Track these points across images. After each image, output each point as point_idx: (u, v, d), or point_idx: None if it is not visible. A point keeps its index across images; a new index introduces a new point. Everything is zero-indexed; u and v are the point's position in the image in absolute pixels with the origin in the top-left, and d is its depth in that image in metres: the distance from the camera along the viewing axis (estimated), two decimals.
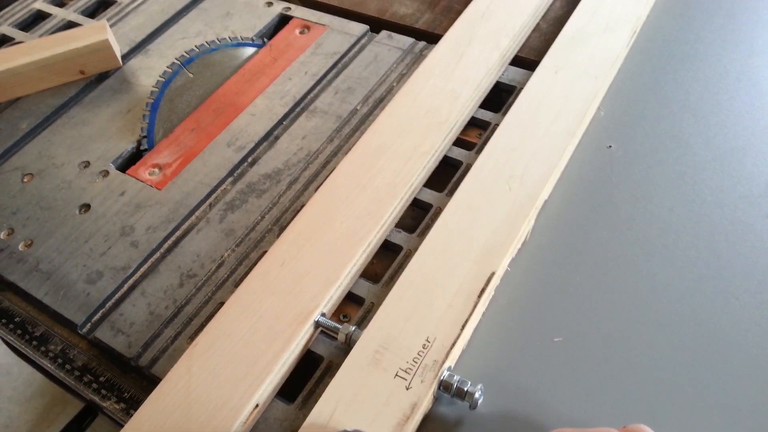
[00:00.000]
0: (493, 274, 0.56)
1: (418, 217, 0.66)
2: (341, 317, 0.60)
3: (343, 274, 0.58)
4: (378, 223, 0.61)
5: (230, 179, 0.71)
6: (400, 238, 0.64)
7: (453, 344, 0.52)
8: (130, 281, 0.63)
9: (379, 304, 0.56)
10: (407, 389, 0.50)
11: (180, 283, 0.62)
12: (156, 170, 0.73)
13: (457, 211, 0.61)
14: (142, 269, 0.64)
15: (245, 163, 0.72)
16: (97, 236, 0.67)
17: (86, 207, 0.70)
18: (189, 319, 0.60)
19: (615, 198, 0.64)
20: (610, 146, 0.69)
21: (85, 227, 0.68)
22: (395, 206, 0.63)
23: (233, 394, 0.51)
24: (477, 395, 0.50)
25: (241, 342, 0.54)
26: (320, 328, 0.56)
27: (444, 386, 0.50)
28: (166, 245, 0.66)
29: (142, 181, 0.72)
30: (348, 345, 0.54)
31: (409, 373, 0.51)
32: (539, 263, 0.60)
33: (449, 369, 0.52)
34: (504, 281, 0.59)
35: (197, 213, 0.68)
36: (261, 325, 0.55)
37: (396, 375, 0.51)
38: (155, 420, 0.50)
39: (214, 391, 0.51)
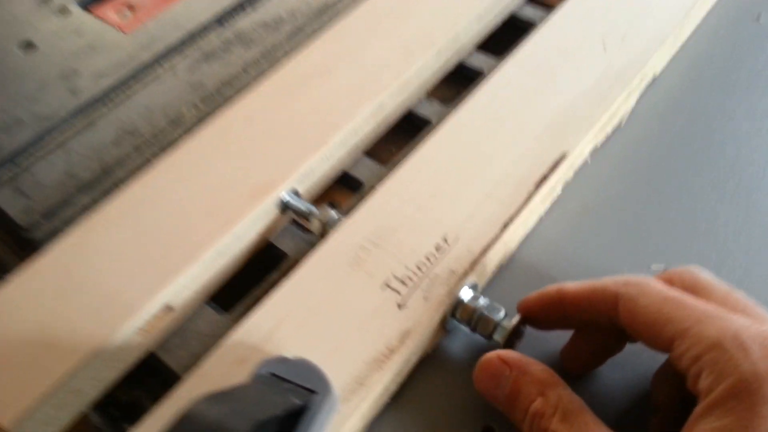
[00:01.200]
0: (563, 156, 0.36)
1: (462, 89, 0.46)
2: (328, 205, 0.40)
3: (334, 140, 0.38)
4: (397, 77, 0.41)
5: (216, 25, 0.53)
6: (431, 110, 0.44)
7: (485, 250, 0.32)
8: (55, 134, 0.46)
9: None
10: (400, 308, 0.31)
11: (116, 141, 0.45)
12: (127, 11, 0.56)
13: (519, 73, 0.41)
14: (75, 122, 0.47)
15: (240, 8, 0.54)
16: (30, 78, 0.50)
17: (30, 45, 0.53)
18: (114, 185, 0.42)
19: (763, 83, 0.42)
20: (758, 17, 0.46)
21: (20, 67, 0.52)
22: (427, 61, 0.43)
23: (133, 286, 0.33)
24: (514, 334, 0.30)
25: (165, 216, 0.36)
26: (289, 212, 0.37)
27: (462, 312, 0.31)
28: (113, 96, 0.48)
29: (106, 22, 0.55)
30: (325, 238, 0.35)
31: (406, 285, 0.31)
32: (637, 158, 0.39)
33: (474, 287, 0.32)
34: (580, 176, 0.38)
35: (163, 61, 0.50)
36: (200, 196, 0.36)
37: (386, 285, 0.31)
38: (21, 302, 0.33)
39: (109, 278, 0.33)
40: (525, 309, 0.30)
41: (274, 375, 0.28)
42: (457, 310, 0.31)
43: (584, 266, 0.35)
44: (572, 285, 0.29)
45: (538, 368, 0.27)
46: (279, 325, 0.30)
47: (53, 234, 0.40)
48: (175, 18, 0.54)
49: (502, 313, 0.30)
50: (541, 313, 0.30)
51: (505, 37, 0.48)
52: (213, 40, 0.51)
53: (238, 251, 0.36)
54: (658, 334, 0.25)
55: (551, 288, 0.30)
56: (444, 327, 0.31)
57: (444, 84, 0.46)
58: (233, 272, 0.36)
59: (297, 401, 0.26)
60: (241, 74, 0.48)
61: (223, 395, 0.25)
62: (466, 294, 0.31)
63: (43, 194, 0.42)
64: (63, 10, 0.57)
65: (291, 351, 0.29)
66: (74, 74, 0.50)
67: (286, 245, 0.38)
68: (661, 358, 0.28)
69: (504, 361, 0.28)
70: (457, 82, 0.46)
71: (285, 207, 0.37)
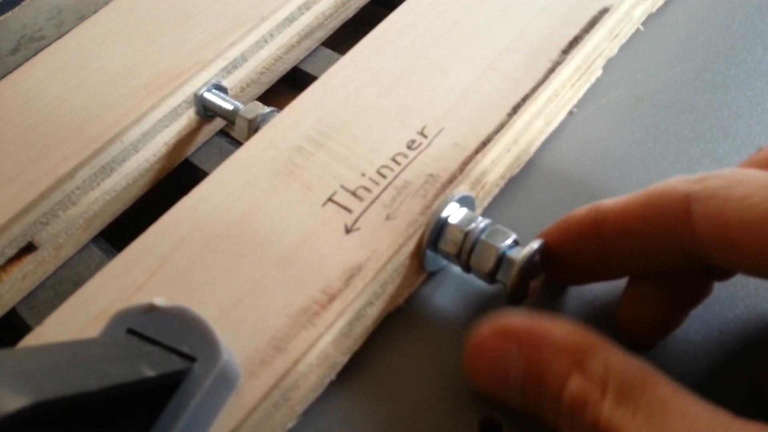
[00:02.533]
0: (604, 12, 0.24)
1: None
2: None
3: (276, 15, 0.27)
4: None
5: None
6: None
7: (484, 146, 0.21)
8: None
9: None
10: (348, 232, 0.20)
11: (14, 49, 0.35)
12: None
13: None
14: None
15: None
16: None
17: None
18: None
19: None
20: None
21: None
22: None
23: None
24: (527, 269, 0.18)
25: (31, 120, 0.25)
26: (209, 114, 0.27)
27: (448, 239, 0.20)
28: (20, 0, 0.38)
29: None
30: None
31: (360, 199, 0.20)
32: (707, 29, 0.27)
33: (466, 202, 0.20)
34: (628, 51, 0.26)
35: None
36: (82, 92, 0.26)
37: (329, 200, 0.20)
38: None
39: None
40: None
41: (131, 331, 0.17)
42: (440, 237, 0.20)
43: (635, 179, 0.23)
44: (612, 201, 0.18)
45: (560, 330, 0.16)
46: (163, 264, 0.20)
47: None
48: None
49: (510, 240, 0.19)
50: (568, 253, 0.19)
51: None
52: None
53: (136, 168, 0.25)
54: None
55: (579, 211, 0.18)
56: (420, 263, 0.20)
57: None
58: (132, 200, 0.26)
59: (151, 372, 0.15)
60: None
61: (3, 355, 0.14)
62: (453, 212, 0.20)
63: None
64: None
65: (175, 300, 0.19)
66: None
67: (210, 164, 0.27)
68: None
69: (503, 335, 0.17)
70: None
71: (204, 108, 0.26)
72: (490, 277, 0.19)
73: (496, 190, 0.23)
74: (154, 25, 0.27)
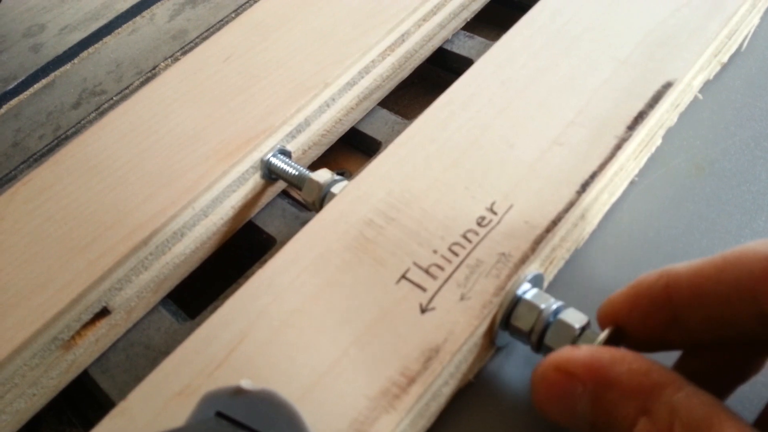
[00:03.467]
0: (668, 86, 0.24)
1: (507, 17, 0.34)
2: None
3: (339, 81, 0.28)
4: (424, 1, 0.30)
5: None
6: (471, 47, 0.33)
7: (554, 224, 0.21)
8: (11, 99, 0.38)
9: None
10: (423, 312, 0.20)
11: (76, 103, 0.36)
12: None
13: None
14: (34, 83, 0.38)
15: None
16: None
17: None
18: None
19: None
20: None
21: None
22: None
23: (51, 279, 0.23)
24: None
25: (103, 186, 0.26)
26: (277, 181, 0.27)
27: (520, 319, 0.20)
28: (79, 52, 0.39)
29: None
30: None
31: (434, 277, 0.21)
32: (765, 94, 0.27)
33: (537, 281, 0.21)
34: (688, 119, 0.26)
35: (142, 9, 0.41)
36: (153, 157, 0.27)
37: (403, 278, 0.21)
38: None
39: (22, 270, 0.24)
40: (611, 315, 0.19)
41: (220, 415, 0.18)
42: (512, 316, 0.20)
43: (698, 251, 0.23)
44: (685, 264, 0.18)
45: (624, 369, 0.17)
46: (242, 339, 0.20)
47: None
48: None
49: (582, 322, 0.19)
50: (638, 319, 0.19)
51: None
52: None
53: (205, 233, 0.26)
54: None
55: (650, 276, 0.18)
56: (491, 341, 0.21)
57: (487, 13, 0.35)
58: (199, 262, 0.27)
59: None
60: (231, 17, 0.38)
61: None
62: (525, 291, 0.20)
63: None
64: None
65: (255, 377, 0.19)
66: (41, 30, 0.42)
67: (273, 226, 0.28)
68: None
69: (566, 373, 0.17)
70: (505, 15, 0.35)
71: (269, 172, 0.27)
72: None
73: (562, 263, 0.23)
74: (220, 88, 0.28)
